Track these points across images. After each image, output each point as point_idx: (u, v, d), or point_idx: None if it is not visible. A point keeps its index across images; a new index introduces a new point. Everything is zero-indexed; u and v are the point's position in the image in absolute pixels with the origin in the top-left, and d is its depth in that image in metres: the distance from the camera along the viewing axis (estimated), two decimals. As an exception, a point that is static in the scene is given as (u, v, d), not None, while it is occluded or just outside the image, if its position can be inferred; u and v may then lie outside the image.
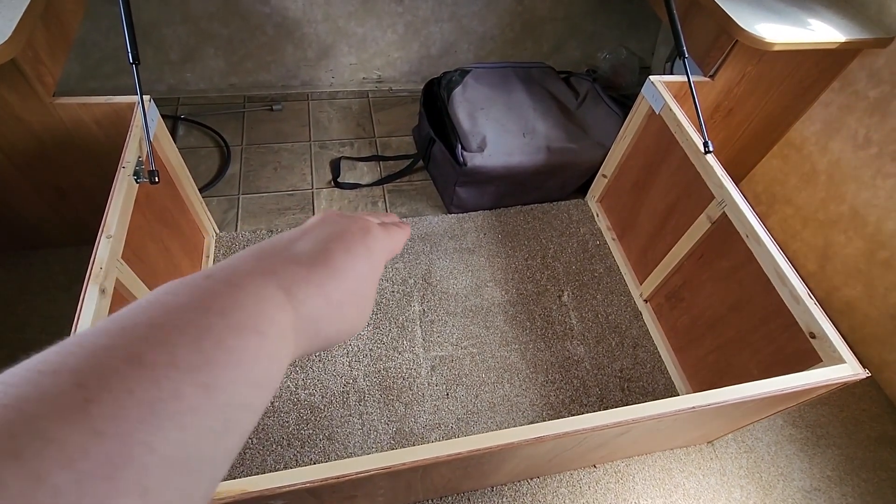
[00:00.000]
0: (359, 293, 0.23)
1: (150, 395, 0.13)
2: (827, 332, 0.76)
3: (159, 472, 0.13)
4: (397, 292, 1.23)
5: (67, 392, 0.12)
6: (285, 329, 0.19)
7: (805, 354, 0.80)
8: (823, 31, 1.07)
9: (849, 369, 0.72)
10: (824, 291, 1.31)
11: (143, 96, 0.84)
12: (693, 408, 0.67)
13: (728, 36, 1.08)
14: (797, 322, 0.81)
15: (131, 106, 0.89)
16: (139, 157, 0.84)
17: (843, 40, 1.06)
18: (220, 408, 0.15)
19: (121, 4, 0.79)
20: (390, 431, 1.03)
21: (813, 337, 0.78)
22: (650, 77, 1.12)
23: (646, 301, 1.25)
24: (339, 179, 1.45)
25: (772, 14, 1.08)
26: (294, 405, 1.04)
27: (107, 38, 1.42)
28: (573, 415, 0.80)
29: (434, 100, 1.44)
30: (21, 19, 0.77)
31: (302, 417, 1.03)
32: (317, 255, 0.22)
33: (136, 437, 0.13)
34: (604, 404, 1.12)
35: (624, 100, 1.46)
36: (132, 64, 0.80)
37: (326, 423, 1.03)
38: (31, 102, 0.87)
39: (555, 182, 1.40)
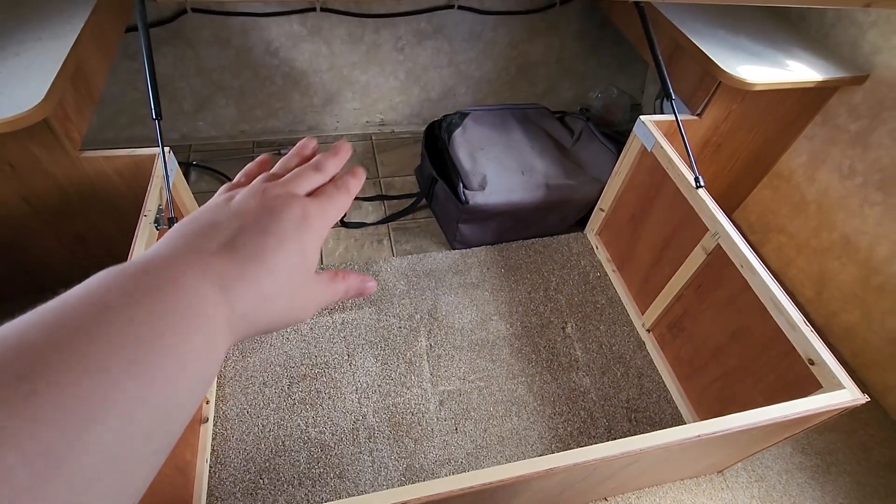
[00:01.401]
0: (291, 285, 0.24)
1: (89, 390, 0.14)
2: (825, 358, 0.78)
3: (94, 464, 0.14)
4: (404, 328, 1.26)
5: (12, 384, 0.13)
6: (221, 326, 0.20)
7: (805, 380, 0.82)
8: (801, 71, 1.13)
9: (848, 395, 0.74)
10: (823, 318, 1.33)
11: (164, 148, 0.90)
12: (698, 436, 0.69)
13: (712, 77, 1.14)
14: (795, 349, 0.83)
15: (152, 157, 0.94)
16: (159, 205, 0.88)
17: (820, 79, 1.12)
18: (155, 407, 0.16)
19: (146, 68, 0.85)
20: (401, 468, 1.04)
21: (812, 363, 0.81)
22: (641, 117, 1.18)
23: (648, 331, 1.27)
24: (345, 219, 1.49)
25: (751, 56, 1.15)
26: (304, 444, 1.05)
27: (123, 92, 1.50)
28: (581, 446, 0.81)
29: (435, 141, 1.50)
30: (54, 81, 0.83)
31: (312, 456, 1.03)
32: (249, 249, 0.22)
33: (77, 429, 0.14)
34: (612, 435, 1.13)
35: (617, 136, 1.52)
36: (155, 119, 0.86)
37: (337, 461, 1.03)
38: (59, 157, 0.92)
39: (554, 217, 1.45)
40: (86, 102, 0.97)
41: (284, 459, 1.03)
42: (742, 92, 1.14)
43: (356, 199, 1.56)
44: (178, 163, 0.98)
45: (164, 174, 0.89)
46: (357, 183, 0.29)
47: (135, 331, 0.16)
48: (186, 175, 1.57)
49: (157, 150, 0.91)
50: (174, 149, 1.66)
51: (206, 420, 1.05)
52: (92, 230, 1.08)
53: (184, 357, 0.17)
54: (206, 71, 1.52)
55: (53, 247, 1.10)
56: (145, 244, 0.81)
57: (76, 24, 0.95)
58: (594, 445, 0.66)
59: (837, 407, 0.73)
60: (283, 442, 1.05)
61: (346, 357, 1.19)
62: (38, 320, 0.16)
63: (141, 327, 0.17)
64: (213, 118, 1.64)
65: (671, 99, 1.08)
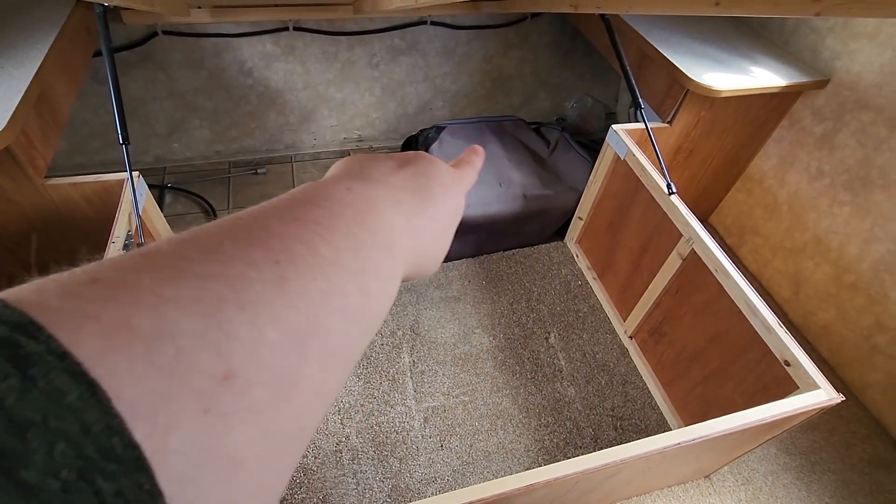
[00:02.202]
0: (449, 230, 0.26)
1: (325, 285, 0.15)
2: (800, 359, 0.79)
3: (330, 352, 0.15)
4: (386, 345, 1.24)
5: (269, 267, 0.14)
6: (406, 254, 0.21)
7: (783, 382, 0.83)
8: (765, 77, 1.16)
9: (823, 395, 0.75)
10: (801, 317, 1.35)
11: (133, 173, 0.88)
12: (678, 444, 0.68)
13: (680, 85, 1.17)
14: (772, 351, 0.84)
15: (120, 182, 0.92)
16: (129, 230, 0.86)
17: (783, 84, 1.15)
18: (370, 312, 0.17)
19: (111, 92, 0.84)
20: (386, 489, 1.02)
21: (787, 364, 0.81)
22: (612, 126, 1.19)
23: (631, 337, 1.28)
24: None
25: (717, 64, 1.18)
26: (287, 469, 1.02)
27: (95, 116, 1.48)
28: (568, 457, 0.81)
29: (413, 156, 1.50)
30: (15, 110, 0.81)
31: (294, 481, 1.01)
32: (424, 189, 0.24)
33: (318, 318, 0.14)
34: (598, 445, 1.12)
35: (593, 145, 1.54)
36: (122, 144, 0.85)
37: (320, 485, 1.01)
38: (23, 185, 0.90)
39: (533, 227, 1.45)
40: (51, 129, 0.95)
41: (266, 486, 1.00)
42: (710, 99, 1.16)
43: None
44: (152, 186, 0.97)
45: (133, 199, 0.87)
46: (480, 159, 0.31)
47: (354, 242, 0.17)
48: (161, 198, 1.55)
49: (125, 174, 0.89)
50: (148, 172, 1.65)
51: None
52: (59, 257, 1.06)
53: (382, 272, 0.18)
54: (178, 93, 1.51)
55: (19, 274, 1.07)
56: (113, 272, 0.79)
57: (40, 51, 0.94)
58: (574, 458, 0.65)
59: (814, 407, 0.73)
60: (264, 468, 1.02)
61: (328, 377, 1.17)
62: (271, 208, 0.17)
63: (360, 242, 0.17)
64: (188, 140, 1.62)
65: (640, 108, 1.09)
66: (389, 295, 0.19)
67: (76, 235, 1.01)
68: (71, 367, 0.09)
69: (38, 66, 0.90)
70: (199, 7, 1.27)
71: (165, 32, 1.38)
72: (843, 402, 0.75)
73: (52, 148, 0.95)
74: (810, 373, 0.77)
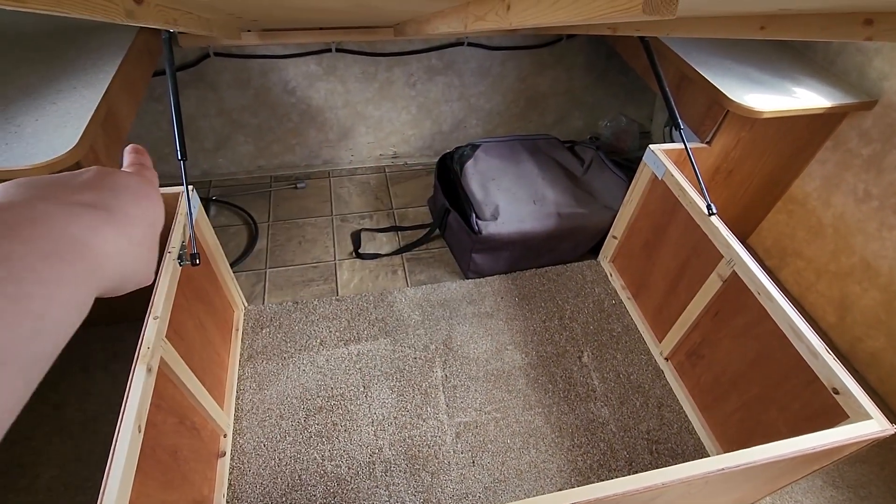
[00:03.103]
0: (150, 235, 0.26)
1: None
2: (850, 387, 0.77)
3: None
4: (419, 358, 1.26)
5: None
6: (95, 263, 0.21)
7: (831, 410, 0.80)
8: (809, 98, 1.14)
9: (876, 425, 0.72)
10: (848, 343, 1.30)
11: (188, 187, 0.93)
12: (722, 469, 0.67)
13: (720, 106, 1.16)
14: (819, 377, 0.82)
15: (176, 196, 0.98)
16: (182, 241, 0.91)
17: (828, 105, 1.13)
18: (28, 316, 0.17)
19: (172, 111, 0.90)
20: (417, 503, 1.02)
21: (836, 393, 0.79)
22: (650, 146, 1.19)
23: (666, 359, 1.25)
24: (360, 251, 1.52)
25: (758, 85, 1.17)
26: (321, 478, 1.04)
27: (149, 132, 1.56)
28: (602, 480, 0.80)
29: (447, 172, 1.53)
30: (86, 127, 0.87)
31: (329, 490, 1.03)
32: (109, 201, 0.24)
33: None
34: (633, 468, 1.10)
35: (627, 164, 1.54)
36: (181, 160, 0.90)
37: (353, 495, 1.02)
38: (88, 197, 0.96)
39: (567, 245, 1.45)
40: (115, 145, 1.01)
41: (301, 494, 1.02)
42: (751, 120, 1.15)
43: (370, 230, 1.59)
44: (199, 198, 1.02)
45: (188, 211, 0.92)
46: (143, 156, 0.33)
47: (18, 255, 0.18)
48: (206, 209, 1.62)
49: (182, 188, 0.94)
50: (195, 184, 1.72)
51: (224, 454, 1.05)
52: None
53: (55, 281, 0.19)
54: (226, 111, 1.58)
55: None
56: (169, 280, 0.84)
57: (108, 73, 1.01)
58: (615, 480, 0.65)
59: (865, 438, 0.71)
60: (299, 476, 1.04)
61: (362, 389, 1.19)
62: None
63: (9, 249, 0.18)
64: (233, 155, 1.70)
65: (679, 129, 1.09)
66: (62, 301, 0.19)
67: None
68: None
69: (106, 86, 0.97)
70: (250, 31, 1.34)
71: (217, 54, 1.46)
72: (894, 434, 0.72)
73: (115, 163, 1.02)
74: (861, 402, 0.75)
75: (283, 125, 1.67)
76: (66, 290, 0.19)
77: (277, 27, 1.35)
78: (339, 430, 1.11)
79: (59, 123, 0.87)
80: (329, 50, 1.53)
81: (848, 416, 0.77)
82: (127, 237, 0.24)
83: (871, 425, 0.72)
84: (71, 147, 0.83)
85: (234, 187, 1.71)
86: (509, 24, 0.48)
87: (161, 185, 1.00)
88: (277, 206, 1.66)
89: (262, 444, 1.08)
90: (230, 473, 1.03)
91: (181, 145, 0.90)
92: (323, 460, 1.07)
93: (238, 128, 1.64)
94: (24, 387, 0.17)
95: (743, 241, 1.56)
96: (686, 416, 1.18)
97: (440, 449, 1.10)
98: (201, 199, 1.65)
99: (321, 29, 1.41)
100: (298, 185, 1.72)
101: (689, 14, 0.70)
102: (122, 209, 0.24)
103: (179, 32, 1.29)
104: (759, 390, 0.97)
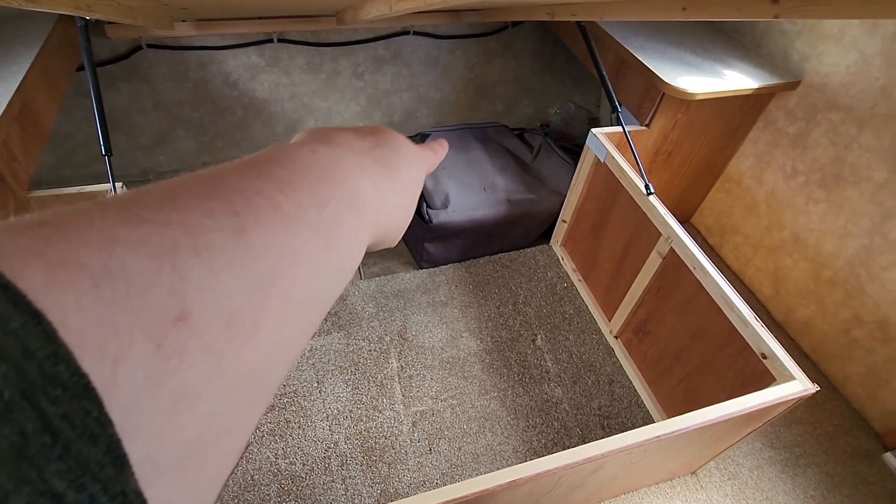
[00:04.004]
0: (411, 201, 0.26)
1: (287, 238, 0.15)
2: (776, 351, 0.81)
3: (293, 302, 0.15)
4: (374, 350, 1.25)
5: (228, 218, 0.14)
6: (372, 216, 0.21)
7: (761, 375, 0.85)
8: (738, 80, 1.19)
9: (799, 385, 0.76)
10: (783, 314, 1.37)
11: (115, 184, 0.89)
12: (658, 437, 0.70)
13: (656, 89, 1.19)
14: (749, 345, 0.86)
15: (104, 194, 0.93)
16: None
17: (756, 86, 1.18)
18: (335, 266, 0.18)
19: (93, 101, 0.85)
20: (374, 494, 1.02)
21: (764, 357, 0.83)
22: (592, 130, 1.22)
23: (616, 337, 1.29)
24: (311, 245, 1.49)
25: (691, 68, 1.21)
26: (275, 476, 1.02)
27: (79, 129, 1.48)
28: (551, 457, 0.82)
29: (398, 163, 1.52)
30: (-3, 123, 0.82)
31: (283, 489, 1.01)
32: (387, 157, 0.24)
33: (279, 268, 0.15)
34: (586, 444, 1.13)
35: (575, 149, 1.57)
36: (105, 155, 0.86)
37: (309, 491, 1.01)
38: (6, 197, 0.90)
39: (518, 231, 1.47)
40: (34, 141, 0.96)
41: (254, 495, 1.00)
42: (686, 102, 1.19)
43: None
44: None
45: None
46: (443, 150, 0.32)
47: (317, 198, 0.17)
48: (148, 210, 1.55)
49: (108, 185, 0.90)
50: (134, 184, 1.65)
51: (171, 459, 1.01)
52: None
53: (347, 228, 0.19)
54: (163, 105, 1.52)
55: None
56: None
57: (22, 65, 0.95)
58: (555, 454, 0.66)
59: (790, 398, 0.75)
60: (251, 476, 1.02)
61: (316, 384, 1.17)
62: (232, 167, 0.17)
63: (323, 197, 0.18)
64: (174, 151, 1.63)
65: (617, 111, 1.12)
66: (356, 251, 0.19)
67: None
68: (14, 297, 0.09)
69: (20, 79, 0.91)
70: (184, 20, 1.29)
71: (150, 46, 1.39)
72: (825, 395, 0.76)
73: (35, 160, 0.96)
74: (786, 364, 0.79)
75: (225, 119, 1.61)
76: (360, 241, 0.20)
77: (212, 17, 1.30)
78: (293, 427, 1.10)
79: (-36, 119, 0.81)
80: (271, 40, 1.49)
81: (775, 379, 0.81)
82: (398, 196, 0.24)
83: (795, 386, 0.76)
84: (-21, 144, 0.78)
85: (177, 185, 1.64)
86: (425, 2, 0.47)
87: (91, 185, 0.95)
88: (224, 204, 1.61)
89: (212, 447, 1.05)
90: (179, 479, 1.00)
91: (105, 140, 0.86)
92: (276, 458, 1.05)
93: (178, 123, 1.57)
94: (308, 335, 0.17)
95: (686, 222, 1.62)
96: (635, 390, 1.22)
97: (396, 439, 1.10)
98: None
99: (260, 18, 1.37)
100: (246, 181, 1.67)
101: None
102: (399, 168, 0.24)
103: (107, 22, 1.22)
104: (700, 361, 1.01)
